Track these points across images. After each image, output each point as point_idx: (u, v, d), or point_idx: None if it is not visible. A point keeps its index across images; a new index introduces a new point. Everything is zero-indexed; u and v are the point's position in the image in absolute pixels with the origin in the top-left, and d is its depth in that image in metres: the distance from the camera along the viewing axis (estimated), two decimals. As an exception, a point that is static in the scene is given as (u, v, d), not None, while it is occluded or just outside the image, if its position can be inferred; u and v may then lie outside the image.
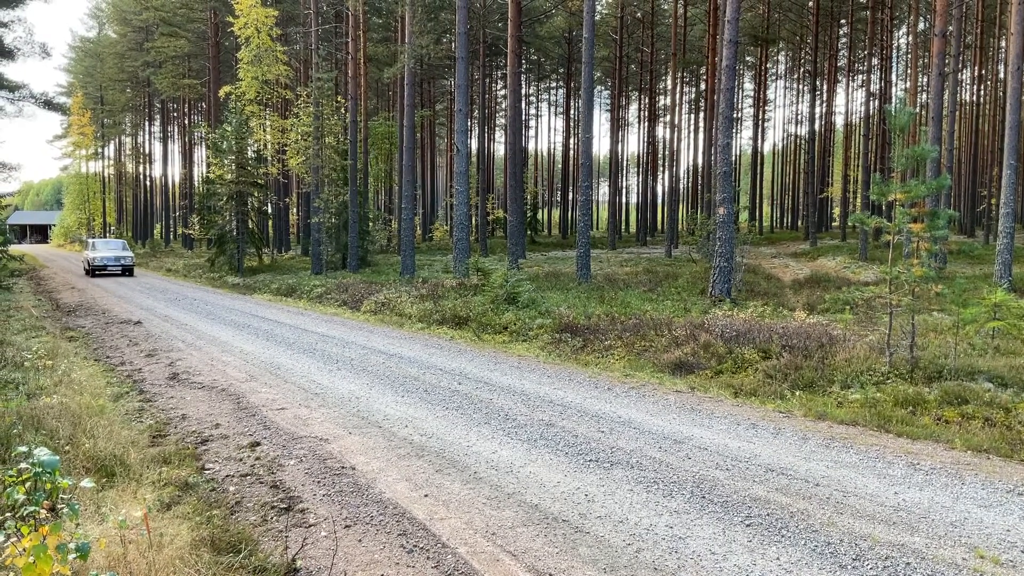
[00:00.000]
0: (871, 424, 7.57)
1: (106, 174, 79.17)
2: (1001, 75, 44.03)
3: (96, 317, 17.32)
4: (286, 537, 4.83)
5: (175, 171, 72.66)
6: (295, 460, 6.50)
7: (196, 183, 56.04)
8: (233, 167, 33.22)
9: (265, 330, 15.12)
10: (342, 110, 34.88)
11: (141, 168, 75.26)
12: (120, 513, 4.39)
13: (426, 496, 5.58)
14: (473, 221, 47.36)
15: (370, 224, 38.25)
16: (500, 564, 4.44)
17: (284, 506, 5.40)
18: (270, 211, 43.11)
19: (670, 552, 4.58)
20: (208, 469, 6.25)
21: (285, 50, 36.15)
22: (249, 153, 34.84)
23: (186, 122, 64.94)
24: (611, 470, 6.17)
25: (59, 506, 3.73)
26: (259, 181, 35.09)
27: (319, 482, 5.92)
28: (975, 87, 50.04)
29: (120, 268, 32.79)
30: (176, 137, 71.37)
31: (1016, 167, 19.55)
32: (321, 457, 6.57)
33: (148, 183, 74.74)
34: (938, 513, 5.22)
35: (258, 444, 6.97)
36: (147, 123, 71.53)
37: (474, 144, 52.83)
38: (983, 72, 49.10)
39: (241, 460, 6.50)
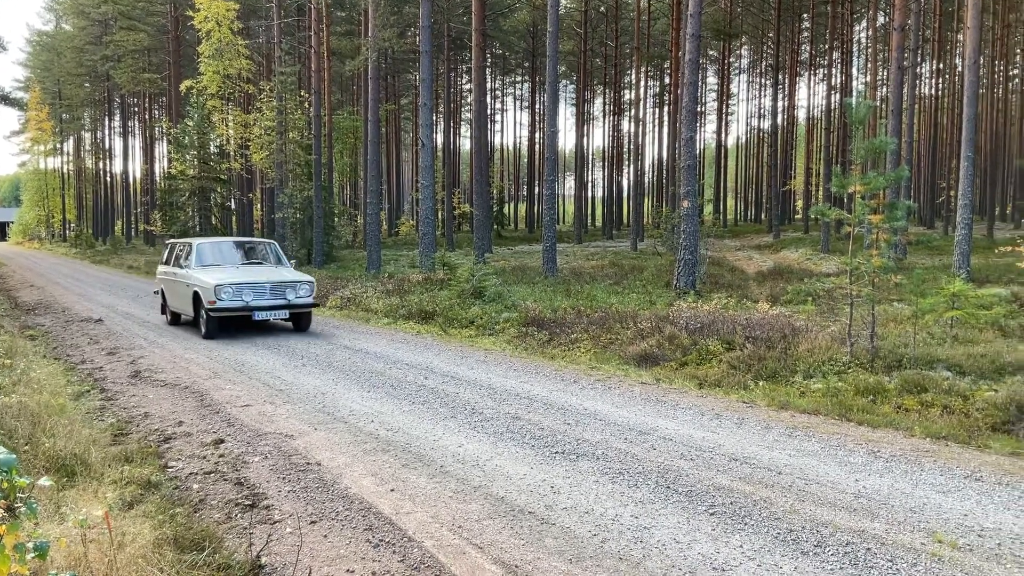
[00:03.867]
0: (833, 413, 7.67)
1: (65, 170, 77.88)
2: (959, 69, 44.74)
3: (56, 315, 17.04)
4: (250, 534, 4.79)
5: (136, 167, 71.54)
6: (260, 457, 6.45)
7: (158, 179, 55.31)
8: (195, 162, 32.88)
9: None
10: (306, 104, 34.58)
11: (101, 164, 74.06)
12: (81, 512, 4.32)
13: (392, 490, 5.57)
14: (439, 216, 47.24)
15: (335, 219, 38.02)
16: (466, 557, 4.44)
17: (249, 503, 5.36)
18: (234, 207, 42.69)
19: (635, 542, 4.61)
20: (171, 467, 6.18)
21: (247, 44, 35.75)
22: (211, 148, 34.50)
23: (147, 117, 64.01)
24: (577, 462, 6.20)
25: (16, 505, 3.67)
26: (222, 176, 34.75)
27: (284, 478, 5.88)
28: (934, 81, 50.81)
29: (284, 314, 13.90)
30: (137, 132, 70.31)
31: (973, 159, 19.89)
32: (286, 453, 6.52)
33: (108, 179, 73.55)
34: (898, 499, 5.30)
35: (222, 441, 6.91)
36: (107, 118, 70.35)
37: (440, 139, 52.68)
38: (942, 66, 49.86)
39: (205, 458, 6.44)
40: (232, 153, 37.61)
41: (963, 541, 4.60)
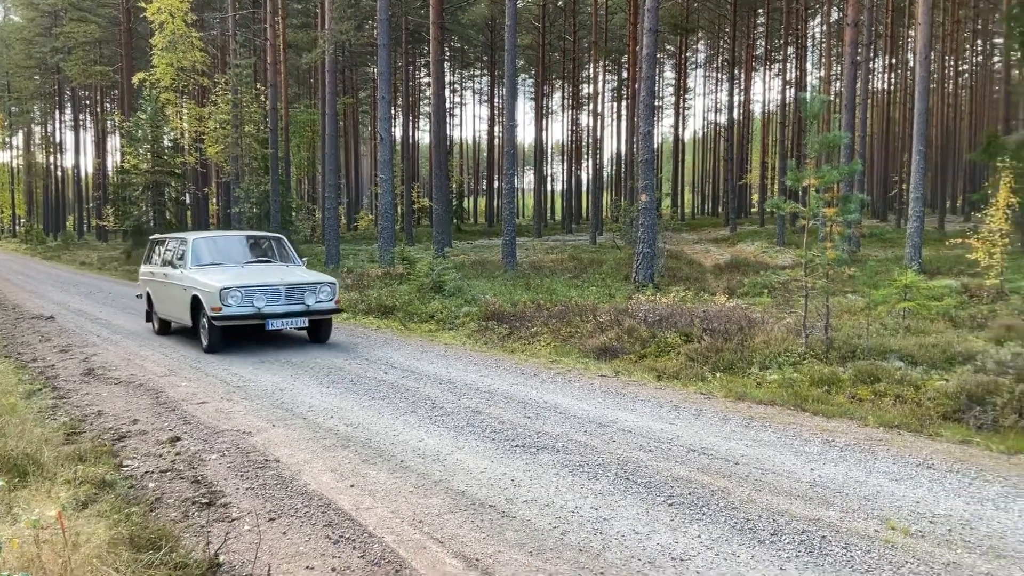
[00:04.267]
0: (788, 403, 7.78)
1: (15, 164, 76.18)
2: (911, 64, 45.54)
3: (5, 313, 16.68)
4: (208, 532, 4.74)
5: (88, 161, 70.21)
6: (217, 454, 6.38)
7: (110, 173, 54.32)
8: (148, 156, 32.37)
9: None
10: (262, 97, 34.18)
11: (52, 158, 72.51)
12: (33, 512, 4.24)
13: (352, 486, 5.54)
14: (399, 210, 47.03)
15: (293, 214, 37.67)
16: (427, 551, 4.44)
17: (206, 501, 5.30)
18: (188, 201, 42.15)
19: (595, 533, 4.64)
20: (126, 466, 6.09)
21: (201, 36, 35.19)
22: (165, 142, 33.99)
23: (98, 110, 62.75)
24: (538, 455, 6.22)
25: (-34, 507, 3.60)
26: (176, 170, 34.25)
27: (242, 476, 5.83)
28: (887, 76, 51.65)
29: (302, 322, 11.77)
30: (88, 126, 68.98)
31: (924, 153, 20.29)
32: (244, 450, 6.46)
33: (59, 173, 72.07)
34: (852, 488, 5.40)
35: (178, 439, 6.82)
36: (57, 111, 68.88)
37: (398, 132, 52.36)
38: (894, 61, 50.71)
39: (160, 456, 6.35)
40: (186, 147, 37.11)
41: (915, 527, 4.69)
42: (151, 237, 15.06)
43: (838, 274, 10.17)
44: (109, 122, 59.83)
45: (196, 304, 11.65)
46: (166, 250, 13.52)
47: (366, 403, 8.09)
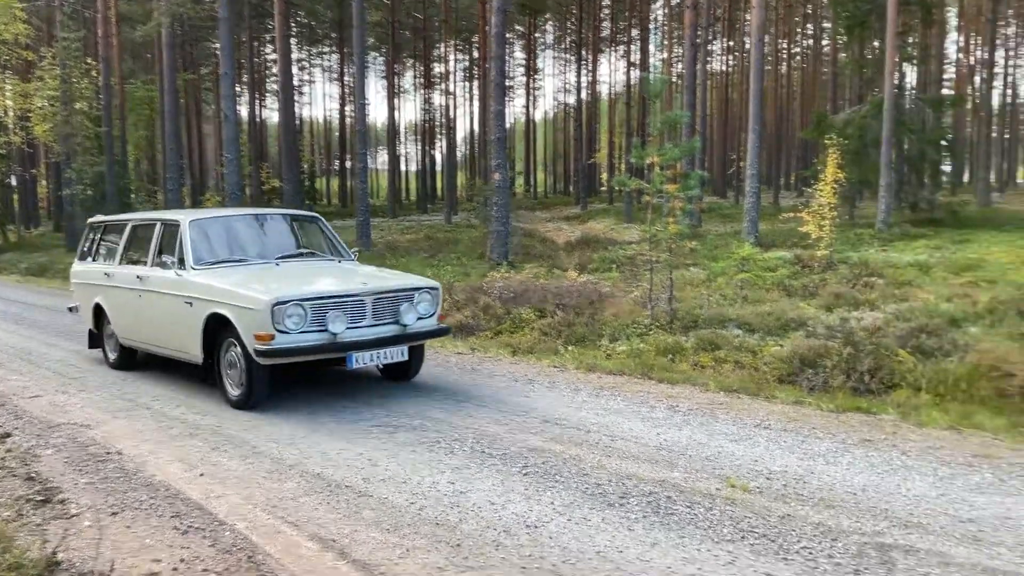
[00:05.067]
0: (636, 372, 8.08)
1: None
2: (747, 46, 47.69)
3: None
4: (44, 530, 4.50)
5: None
6: (52, 449, 6.04)
7: (-77, 154, 49.98)
8: (-33, 136, 29.99)
9: (13, 313, 13.86)
10: (94, 72, 32.23)
11: None
12: None
13: (201, 475, 5.37)
14: (247, 192, 45.51)
15: (132, 196, 35.76)
16: (281, 535, 4.37)
17: (41, 498, 5.01)
18: (15, 184, 39.40)
19: (452, 506, 4.70)
20: (-50, 467, 5.68)
21: (24, 7, 32.77)
22: (-14, 120, 31.56)
23: (-94, 85, 57.50)
24: (395, 434, 6.21)
25: None
26: (0, 151, 31.88)
27: (80, 470, 5.54)
28: (725, 57, 53.93)
29: (400, 353, 7.22)
30: None
31: (760, 132, 21.35)
32: (82, 444, 6.14)
33: None
34: (695, 450, 5.67)
35: (8, 435, 6.41)
36: None
37: (244, 110, 50.58)
38: (732, 43, 53.02)
39: (-11, 454, 5.96)
40: (11, 126, 34.57)
41: (754, 484, 4.98)
42: (90, 221, 10.11)
43: (680, 248, 10.61)
44: (-80, 99, 54.92)
45: (215, 327, 7.20)
46: (131, 241, 8.87)
47: (216, 390, 7.83)
